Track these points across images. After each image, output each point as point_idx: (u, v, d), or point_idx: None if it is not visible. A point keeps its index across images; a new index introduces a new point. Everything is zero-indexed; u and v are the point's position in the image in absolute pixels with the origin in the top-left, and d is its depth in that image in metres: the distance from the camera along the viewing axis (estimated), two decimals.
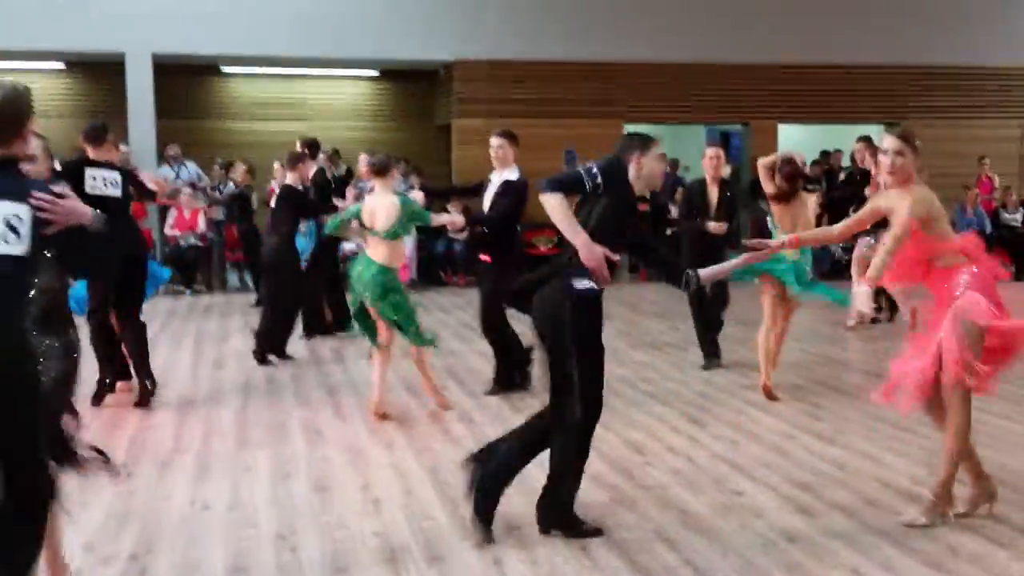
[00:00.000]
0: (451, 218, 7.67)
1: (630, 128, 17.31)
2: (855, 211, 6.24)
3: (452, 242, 14.61)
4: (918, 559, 4.53)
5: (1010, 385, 6.78)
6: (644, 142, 4.88)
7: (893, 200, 4.94)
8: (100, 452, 4.17)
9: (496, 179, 7.69)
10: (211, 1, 14.90)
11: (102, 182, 7.18)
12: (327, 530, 4.93)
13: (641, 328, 11.11)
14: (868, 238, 9.62)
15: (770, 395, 7.55)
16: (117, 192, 7.28)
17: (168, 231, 14.39)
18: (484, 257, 7.73)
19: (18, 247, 3.37)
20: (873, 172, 9.58)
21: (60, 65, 16.70)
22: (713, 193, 8.60)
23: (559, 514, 4.84)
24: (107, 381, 7.53)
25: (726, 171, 8.83)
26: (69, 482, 4.10)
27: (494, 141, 7.63)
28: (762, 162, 7.79)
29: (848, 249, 12.13)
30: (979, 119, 16.24)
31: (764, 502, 5.33)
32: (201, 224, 14.36)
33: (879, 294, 10.08)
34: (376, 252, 7.01)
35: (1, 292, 3.38)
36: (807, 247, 7.57)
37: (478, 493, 4.80)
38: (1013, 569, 4.43)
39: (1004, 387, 6.49)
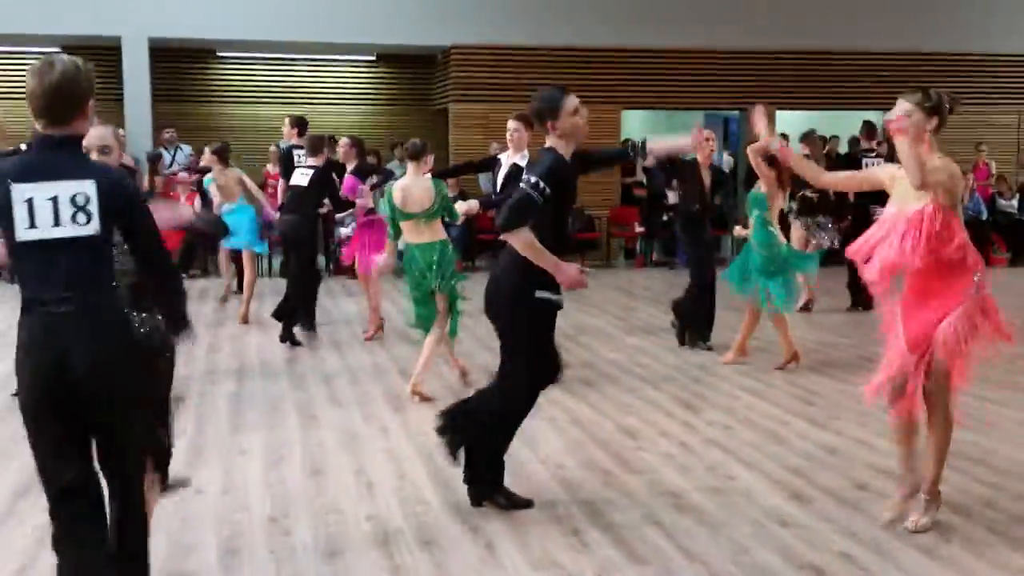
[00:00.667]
0: (468, 206, 7.77)
1: (628, 114, 17.42)
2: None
3: (448, 226, 14.50)
4: (910, 544, 4.54)
5: (1003, 372, 6.78)
6: (551, 108, 4.72)
7: (894, 171, 4.69)
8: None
9: (506, 161, 7.72)
10: None
11: None
12: (320, 514, 4.94)
13: (635, 313, 11.13)
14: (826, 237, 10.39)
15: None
16: None
17: None
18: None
19: (89, 227, 3.26)
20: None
21: (56, 50, 16.59)
22: (705, 176, 8.65)
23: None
24: None
25: (729, 163, 8.89)
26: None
27: (511, 124, 7.65)
28: (752, 147, 7.82)
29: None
30: (976, 105, 16.21)
31: (757, 487, 5.34)
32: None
33: (856, 287, 10.19)
34: (420, 235, 7.19)
35: (89, 270, 3.29)
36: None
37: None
38: (1005, 555, 4.44)
39: (997, 374, 6.50)
